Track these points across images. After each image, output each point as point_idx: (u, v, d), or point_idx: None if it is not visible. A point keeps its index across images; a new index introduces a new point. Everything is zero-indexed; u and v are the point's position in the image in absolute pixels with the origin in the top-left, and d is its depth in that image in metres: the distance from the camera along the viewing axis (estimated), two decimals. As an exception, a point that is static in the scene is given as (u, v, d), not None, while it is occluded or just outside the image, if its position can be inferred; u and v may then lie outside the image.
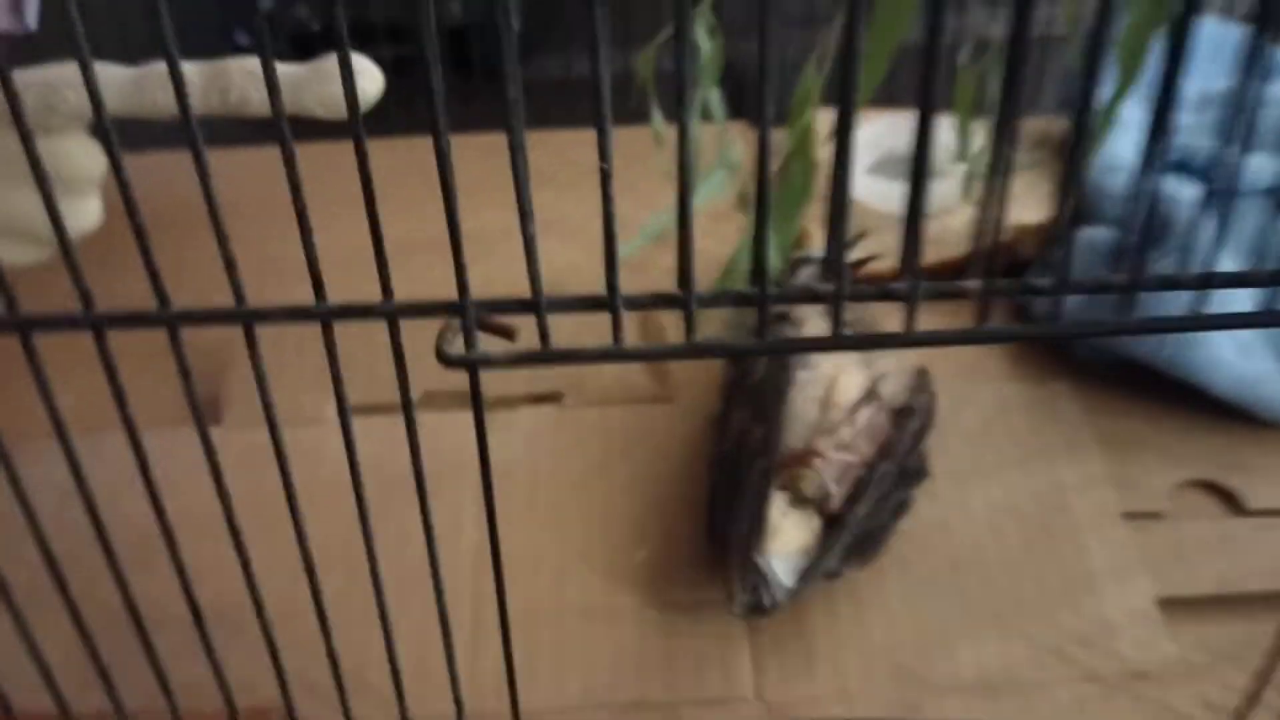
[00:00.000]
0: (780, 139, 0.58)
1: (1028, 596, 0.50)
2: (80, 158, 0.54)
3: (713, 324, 0.61)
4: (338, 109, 0.54)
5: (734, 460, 0.50)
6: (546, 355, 0.32)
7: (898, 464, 0.50)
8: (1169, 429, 0.57)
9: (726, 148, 0.62)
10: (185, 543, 0.35)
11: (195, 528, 0.34)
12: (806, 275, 0.60)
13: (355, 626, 0.37)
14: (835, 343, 0.31)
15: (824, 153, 0.60)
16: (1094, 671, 0.48)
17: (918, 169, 0.27)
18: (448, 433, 0.57)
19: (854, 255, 0.58)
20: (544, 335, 0.32)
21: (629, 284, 0.30)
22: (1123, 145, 0.61)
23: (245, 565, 0.35)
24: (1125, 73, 0.48)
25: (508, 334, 0.34)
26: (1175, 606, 0.50)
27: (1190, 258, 0.53)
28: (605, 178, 0.28)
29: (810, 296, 0.31)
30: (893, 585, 0.51)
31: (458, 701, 0.39)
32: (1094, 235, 0.60)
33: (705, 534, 0.52)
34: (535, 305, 0.31)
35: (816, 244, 0.64)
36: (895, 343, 0.32)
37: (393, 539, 0.36)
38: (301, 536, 0.35)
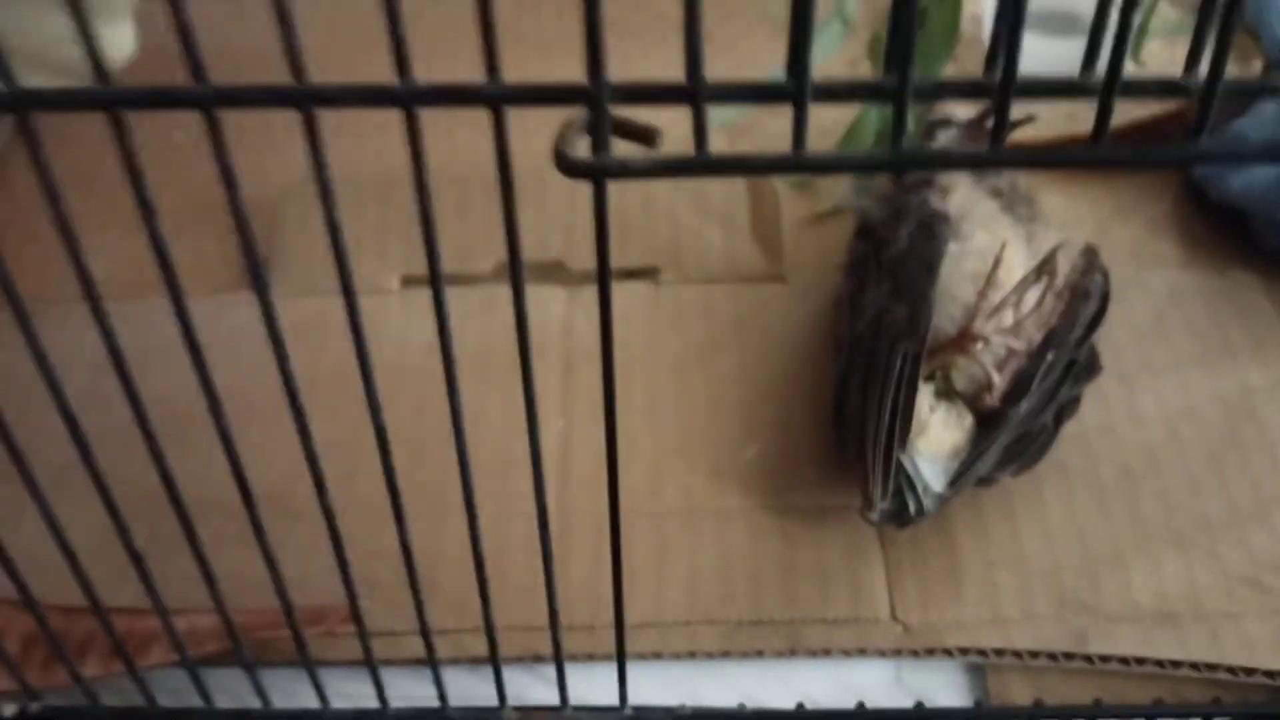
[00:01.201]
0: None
1: (1213, 514, 0.43)
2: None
3: (835, 187, 0.53)
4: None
5: (870, 344, 0.42)
6: (703, 162, 0.24)
7: (1068, 354, 0.42)
8: (1376, 328, 0.49)
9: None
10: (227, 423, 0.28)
11: (237, 407, 0.27)
12: (946, 139, 0.51)
13: (420, 520, 0.30)
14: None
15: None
16: (1298, 605, 0.40)
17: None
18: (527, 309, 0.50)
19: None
20: (700, 135, 0.24)
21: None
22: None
23: (306, 443, 0.28)
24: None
25: (647, 137, 0.26)
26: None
27: None
28: None
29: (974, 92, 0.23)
30: (1053, 496, 0.43)
31: (554, 614, 0.33)
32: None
33: (830, 429, 0.44)
34: (692, 94, 0.23)
35: (956, 107, 0.55)
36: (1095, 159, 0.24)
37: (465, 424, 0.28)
38: (376, 410, 0.28)
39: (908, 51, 0.22)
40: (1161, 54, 0.61)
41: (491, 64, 0.22)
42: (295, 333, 0.27)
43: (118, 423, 0.28)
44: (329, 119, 0.23)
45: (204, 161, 0.23)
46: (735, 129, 0.52)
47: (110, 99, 0.23)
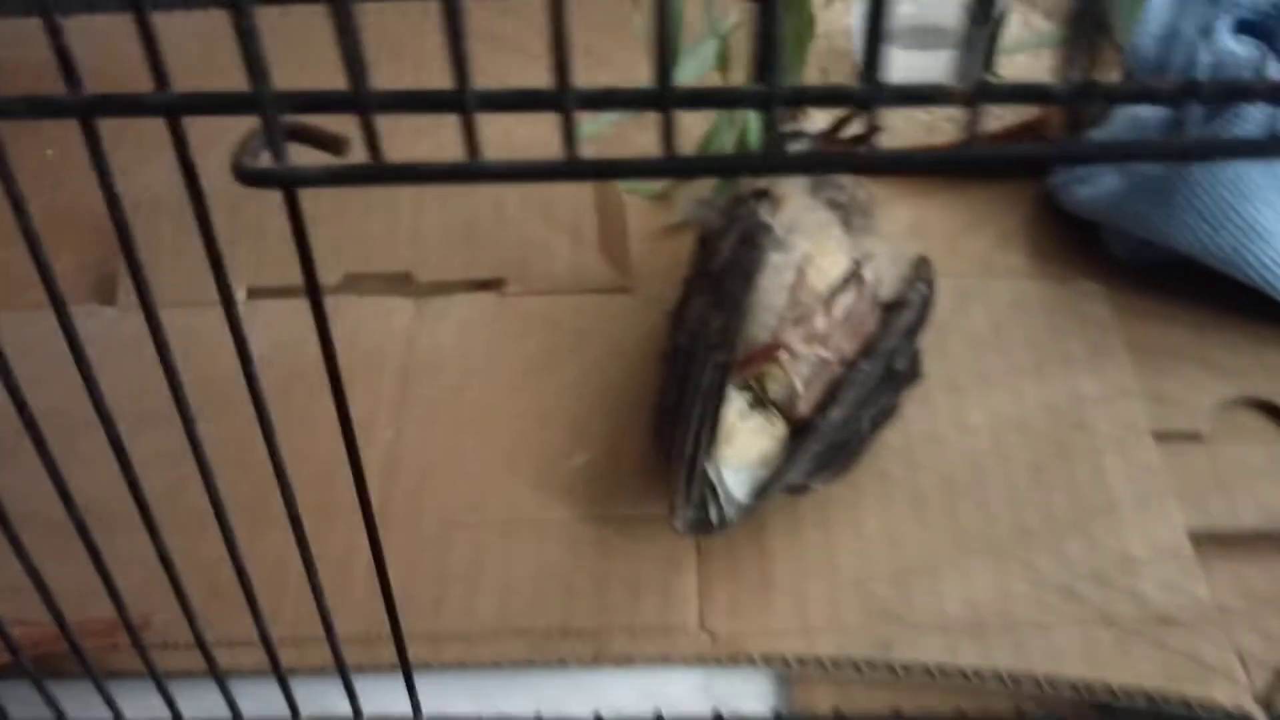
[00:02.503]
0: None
1: (1032, 525, 0.43)
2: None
3: (685, 192, 0.54)
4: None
5: (688, 354, 0.43)
6: (378, 170, 0.24)
7: (883, 363, 0.42)
8: (1215, 339, 0.49)
9: (715, 18, 0.54)
10: (56, 438, 0.28)
11: (69, 421, 0.28)
12: (794, 145, 0.52)
13: (241, 530, 0.30)
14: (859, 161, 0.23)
15: (822, 14, 0.52)
16: (1107, 614, 0.40)
17: None
18: (369, 319, 0.50)
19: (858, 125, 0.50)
20: (373, 143, 0.24)
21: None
22: (1169, 8, 0.52)
23: (122, 458, 0.28)
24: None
25: (335, 145, 0.26)
26: (1211, 543, 0.42)
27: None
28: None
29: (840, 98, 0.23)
30: (870, 505, 0.43)
31: (328, 626, 0.33)
32: (1137, 110, 0.51)
33: (651, 441, 0.44)
34: (357, 100, 0.23)
35: (809, 119, 0.55)
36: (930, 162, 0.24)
37: (295, 433, 0.28)
38: (190, 427, 0.28)
39: (772, 59, 0.22)
40: (1034, 65, 0.62)
41: (159, 74, 0.23)
42: (140, 344, 0.27)
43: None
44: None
45: (65, 179, 0.24)
46: (605, 140, 0.52)
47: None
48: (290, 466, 0.29)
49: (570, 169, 0.24)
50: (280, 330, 0.47)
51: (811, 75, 0.56)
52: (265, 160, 0.25)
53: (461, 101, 0.23)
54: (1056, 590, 0.41)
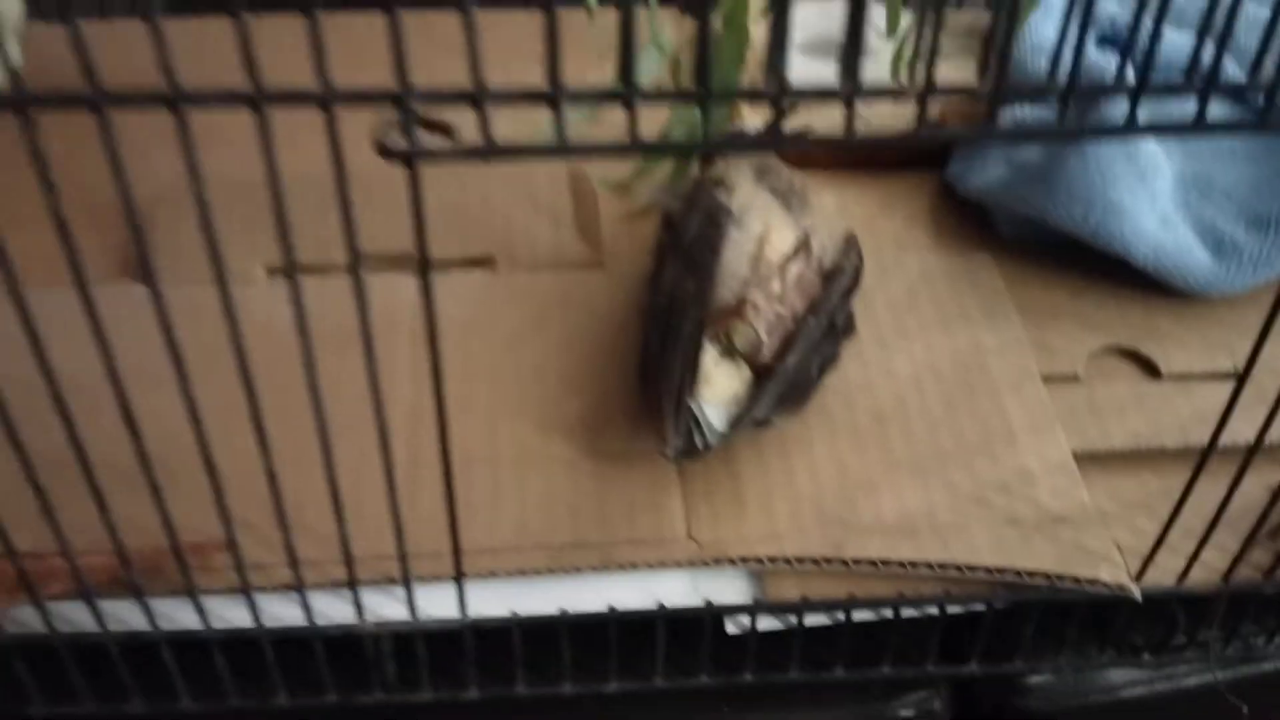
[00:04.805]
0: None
1: (947, 448, 0.52)
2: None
3: (649, 185, 0.62)
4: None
5: (666, 313, 0.51)
6: (488, 150, 0.32)
7: (827, 319, 0.51)
8: (1087, 299, 0.59)
9: (657, 30, 0.62)
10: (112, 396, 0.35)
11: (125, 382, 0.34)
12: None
13: (286, 472, 0.37)
14: (780, 142, 0.32)
15: (756, 29, 0.61)
16: (1012, 515, 0.50)
17: None
18: (378, 294, 0.57)
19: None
20: (486, 130, 0.32)
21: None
22: (1046, 27, 0.62)
23: (193, 410, 0.35)
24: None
25: (445, 130, 0.34)
26: (1090, 461, 0.52)
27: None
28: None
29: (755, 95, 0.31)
30: (818, 436, 0.52)
31: (399, 532, 0.40)
32: (1019, 114, 0.62)
33: (637, 386, 0.52)
34: (476, 97, 0.31)
35: (747, 120, 0.64)
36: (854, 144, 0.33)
37: (324, 393, 0.36)
38: (250, 383, 0.35)
39: (706, 67, 0.30)
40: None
41: (323, 73, 0.30)
42: (174, 317, 0.34)
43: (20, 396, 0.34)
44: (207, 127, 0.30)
45: (78, 169, 0.30)
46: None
47: (23, 99, 0.30)
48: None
49: (627, 147, 0.33)
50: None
51: (748, 81, 0.65)
52: (397, 142, 0.32)
53: (555, 98, 0.31)
54: (970, 499, 0.50)
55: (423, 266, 0.36)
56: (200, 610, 0.44)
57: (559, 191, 0.62)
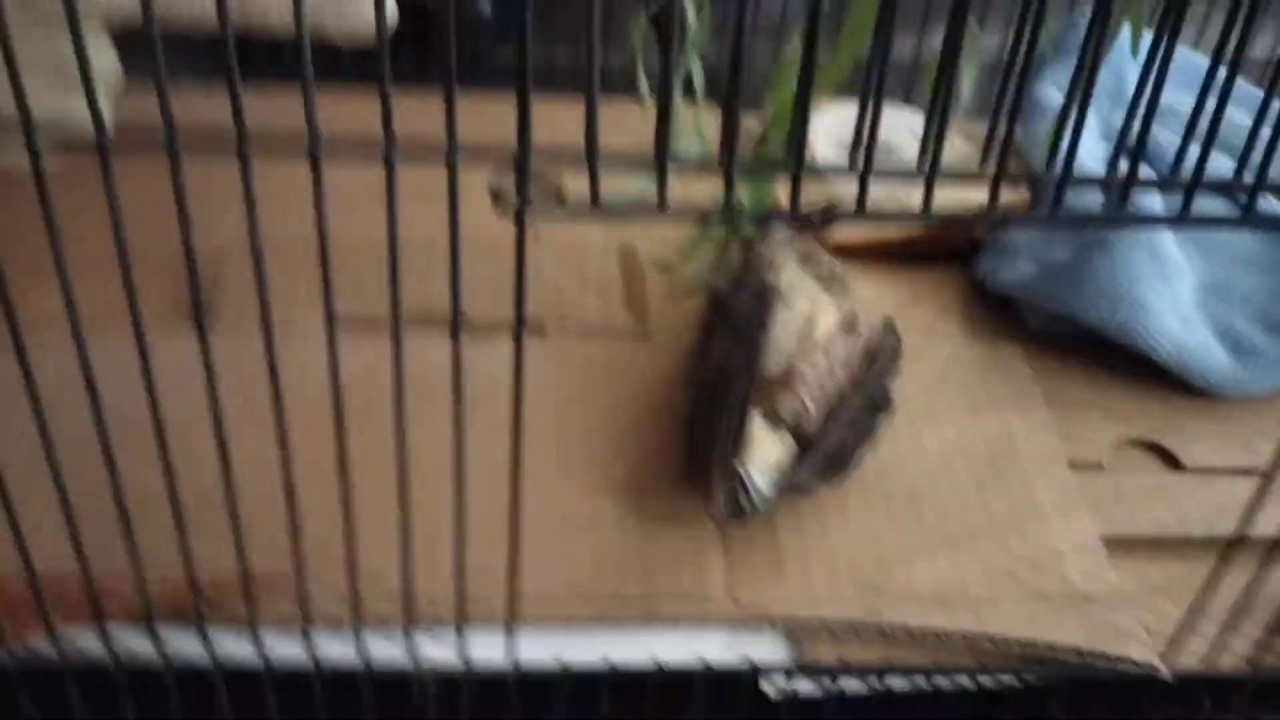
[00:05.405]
0: (750, 123, 0.61)
1: (978, 524, 0.54)
2: (98, 59, 0.56)
3: (695, 266, 0.65)
4: (353, 31, 0.56)
5: (714, 383, 0.53)
6: (599, 209, 0.35)
7: (868, 395, 0.53)
8: (1112, 392, 0.62)
9: (700, 122, 0.66)
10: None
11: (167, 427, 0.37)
12: (781, 234, 0.63)
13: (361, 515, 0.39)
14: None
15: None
16: (1041, 591, 0.51)
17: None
18: (436, 353, 0.59)
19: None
20: (595, 190, 0.35)
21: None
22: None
23: (283, 451, 0.38)
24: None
25: (559, 195, 0.36)
26: (1116, 545, 0.54)
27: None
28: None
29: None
30: (855, 507, 0.54)
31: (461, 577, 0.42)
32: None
33: (684, 451, 0.54)
34: (590, 159, 0.34)
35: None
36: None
37: (374, 451, 0.39)
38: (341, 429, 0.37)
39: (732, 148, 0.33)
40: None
41: (452, 137, 0.33)
42: (232, 367, 0.36)
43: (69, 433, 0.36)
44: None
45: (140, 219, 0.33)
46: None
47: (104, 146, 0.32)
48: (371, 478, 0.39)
49: (724, 212, 0.35)
50: (353, 361, 0.56)
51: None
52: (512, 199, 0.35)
53: (663, 162, 0.34)
54: (1002, 573, 0.52)
55: (518, 330, 0.38)
56: (258, 644, 0.45)
57: (609, 267, 0.65)
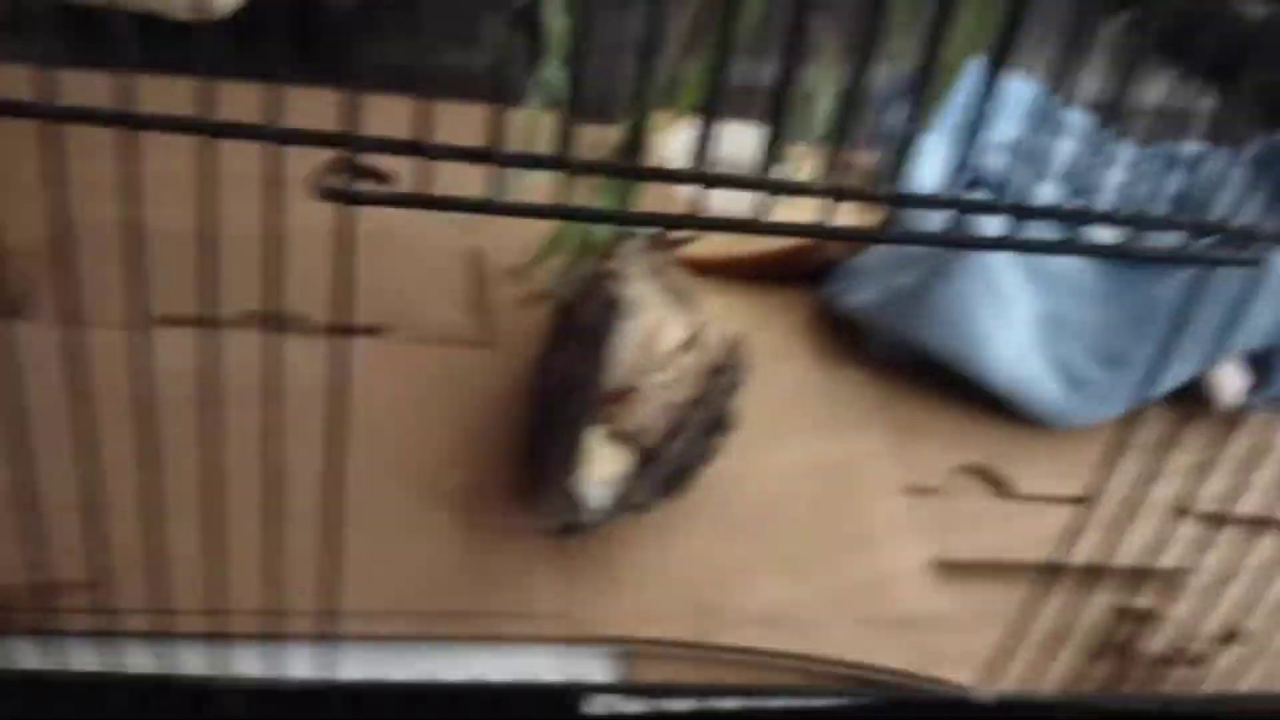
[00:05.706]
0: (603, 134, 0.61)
1: (813, 548, 0.54)
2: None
3: (545, 273, 0.64)
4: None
5: (555, 394, 0.52)
6: (426, 198, 0.34)
7: (711, 412, 0.53)
8: (950, 419, 0.63)
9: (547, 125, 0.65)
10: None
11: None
12: (633, 246, 0.63)
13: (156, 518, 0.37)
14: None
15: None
16: (869, 615, 0.51)
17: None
18: (257, 351, 0.57)
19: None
20: (426, 179, 0.33)
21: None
22: (925, 173, 0.67)
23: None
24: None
25: (384, 177, 0.35)
26: (946, 569, 0.55)
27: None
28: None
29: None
30: (694, 526, 0.53)
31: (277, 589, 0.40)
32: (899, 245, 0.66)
33: (521, 462, 0.53)
34: (419, 148, 0.33)
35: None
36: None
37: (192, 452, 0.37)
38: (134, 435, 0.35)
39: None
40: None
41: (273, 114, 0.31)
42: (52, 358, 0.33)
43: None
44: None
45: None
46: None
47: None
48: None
49: (557, 212, 0.34)
50: (179, 358, 0.54)
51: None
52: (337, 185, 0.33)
53: (493, 156, 0.33)
54: (832, 597, 0.52)
55: (341, 325, 0.36)
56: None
57: (457, 272, 0.63)
